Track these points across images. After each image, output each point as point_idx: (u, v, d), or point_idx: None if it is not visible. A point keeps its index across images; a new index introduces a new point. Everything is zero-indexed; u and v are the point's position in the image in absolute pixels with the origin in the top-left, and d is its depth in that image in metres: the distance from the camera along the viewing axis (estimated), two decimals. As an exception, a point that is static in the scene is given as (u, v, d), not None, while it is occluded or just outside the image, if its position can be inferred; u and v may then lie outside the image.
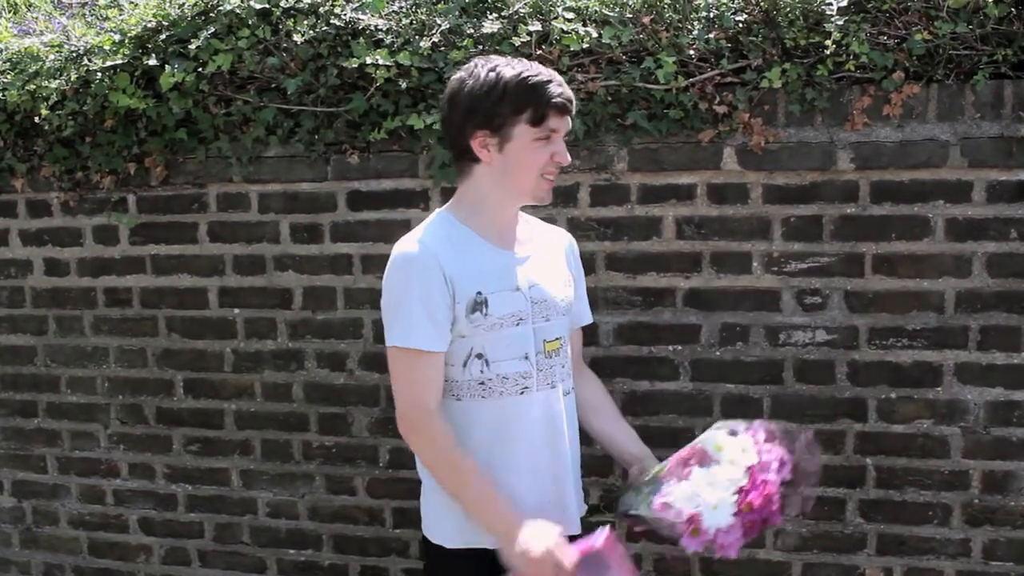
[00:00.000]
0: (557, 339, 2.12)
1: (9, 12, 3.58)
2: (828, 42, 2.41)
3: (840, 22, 2.41)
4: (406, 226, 2.79)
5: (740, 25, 2.51)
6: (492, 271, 2.04)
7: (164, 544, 3.27)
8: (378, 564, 3.06)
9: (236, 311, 3.02)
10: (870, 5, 2.44)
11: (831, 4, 2.43)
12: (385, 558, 3.05)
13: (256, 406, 3.06)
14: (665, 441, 2.71)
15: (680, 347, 2.69)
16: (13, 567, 3.45)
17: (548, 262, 2.16)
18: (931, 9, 2.40)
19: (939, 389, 2.58)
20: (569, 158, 2.06)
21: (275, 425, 3.06)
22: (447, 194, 2.75)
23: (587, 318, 2.36)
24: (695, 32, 2.53)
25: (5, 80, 2.93)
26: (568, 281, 2.21)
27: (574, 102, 2.04)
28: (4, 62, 2.98)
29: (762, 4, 2.49)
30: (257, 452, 3.10)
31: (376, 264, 2.85)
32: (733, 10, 2.53)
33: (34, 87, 2.87)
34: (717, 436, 2.03)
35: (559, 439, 2.13)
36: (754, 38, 2.49)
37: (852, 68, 2.44)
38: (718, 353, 2.68)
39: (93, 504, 3.31)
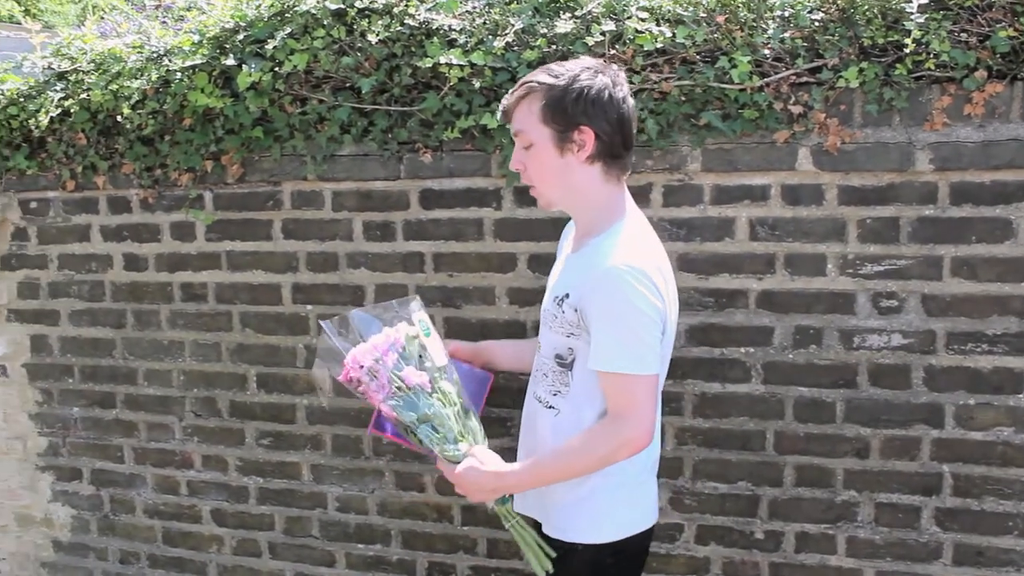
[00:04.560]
0: (539, 344, 2.23)
1: (92, 14, 3.66)
2: (907, 40, 2.35)
3: (920, 20, 2.36)
4: (478, 225, 2.82)
5: (816, 24, 2.47)
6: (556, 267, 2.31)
7: (235, 535, 3.33)
8: (445, 560, 3.08)
9: (309, 307, 3.06)
10: (951, 2, 2.38)
11: (911, 1, 2.38)
12: (453, 555, 3.07)
13: (327, 401, 3.10)
14: (735, 443, 2.70)
15: (752, 349, 2.66)
16: (91, 553, 3.55)
17: (563, 277, 2.17)
18: (1017, 5, 2.33)
19: (1020, 396, 2.51)
20: (512, 164, 2.16)
21: (346, 421, 3.10)
22: (519, 193, 2.76)
23: (594, 362, 1.99)
24: (770, 31, 2.50)
25: (89, 80, 3.01)
26: (562, 301, 2.08)
27: (507, 111, 2.13)
28: (88, 63, 3.06)
29: (839, 2, 2.45)
30: (328, 447, 3.14)
31: (447, 262, 2.87)
32: (809, 8, 2.49)
33: (116, 87, 2.94)
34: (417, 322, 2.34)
35: (525, 428, 2.30)
36: (831, 37, 2.45)
37: (932, 67, 2.38)
38: (791, 356, 2.65)
39: (167, 494, 3.39)
